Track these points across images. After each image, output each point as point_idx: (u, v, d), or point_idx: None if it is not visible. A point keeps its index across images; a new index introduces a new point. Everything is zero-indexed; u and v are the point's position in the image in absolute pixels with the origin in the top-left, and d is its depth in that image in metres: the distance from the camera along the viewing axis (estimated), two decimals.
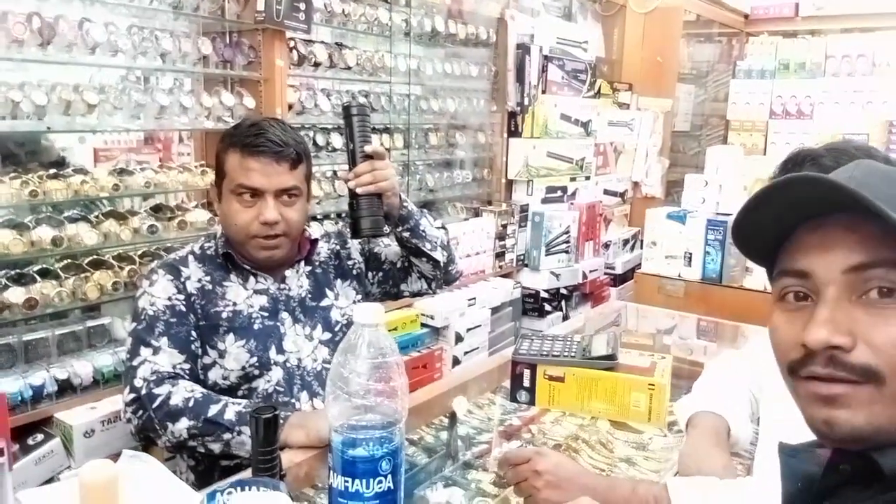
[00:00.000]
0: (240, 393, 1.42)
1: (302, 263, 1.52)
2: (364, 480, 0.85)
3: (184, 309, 1.41)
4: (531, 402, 1.48)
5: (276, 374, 1.43)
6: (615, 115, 3.43)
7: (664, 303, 2.56)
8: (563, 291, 3.11)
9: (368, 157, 1.44)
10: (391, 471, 0.87)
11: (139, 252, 1.89)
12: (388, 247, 1.65)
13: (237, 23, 1.99)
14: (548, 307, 3.05)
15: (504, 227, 2.86)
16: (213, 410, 1.28)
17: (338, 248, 1.60)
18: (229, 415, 1.27)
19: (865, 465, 0.58)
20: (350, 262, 1.60)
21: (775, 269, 0.69)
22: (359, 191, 1.42)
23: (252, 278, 1.47)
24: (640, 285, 2.71)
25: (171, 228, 1.90)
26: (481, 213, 2.87)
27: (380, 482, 0.86)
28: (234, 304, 1.44)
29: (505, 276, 2.91)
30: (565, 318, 3.09)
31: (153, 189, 1.86)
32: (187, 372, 1.37)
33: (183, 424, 1.27)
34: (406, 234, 1.53)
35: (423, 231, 1.55)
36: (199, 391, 1.32)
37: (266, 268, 1.47)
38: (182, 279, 1.43)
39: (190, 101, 1.88)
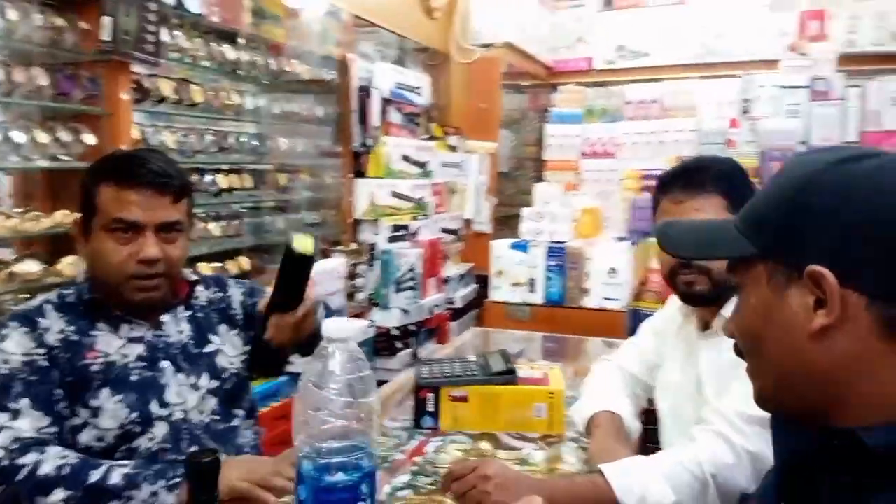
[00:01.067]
0: (117, 455, 1.25)
1: (181, 308, 1.39)
2: None
3: (46, 364, 1.23)
4: (436, 427, 1.49)
5: (160, 430, 1.28)
6: (447, 157, 3.59)
7: (514, 327, 2.73)
8: (412, 328, 3.15)
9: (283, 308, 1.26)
10: (370, 493, 0.84)
11: None
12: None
13: (73, 54, 1.83)
14: (398, 345, 3.06)
15: (354, 266, 2.85)
16: (94, 476, 1.13)
17: (219, 294, 1.48)
18: (115, 479, 1.13)
19: (852, 441, 0.61)
20: (233, 312, 1.49)
21: None
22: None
23: (124, 325, 1.32)
24: (489, 313, 2.85)
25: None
26: (330, 254, 2.84)
27: None
28: (107, 354, 1.28)
29: (357, 315, 2.89)
30: (414, 355, 3.12)
31: None
32: (55, 436, 1.20)
33: (58, 496, 1.10)
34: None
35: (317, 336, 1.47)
36: (73, 456, 1.16)
37: (139, 313, 1.33)
38: (38, 330, 1.25)
39: (23, 138, 1.68)
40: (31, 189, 1.87)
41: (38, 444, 1.16)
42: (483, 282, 3.68)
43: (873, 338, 0.62)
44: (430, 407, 1.48)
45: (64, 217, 1.74)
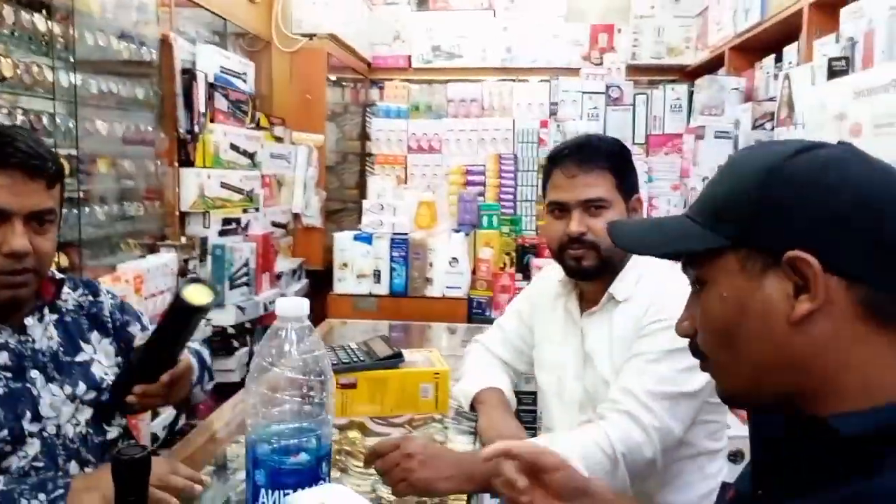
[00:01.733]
0: None
1: (46, 310, 1.22)
2: (304, 489, 0.78)
3: None
4: None
5: (33, 447, 1.12)
6: (275, 148, 3.47)
7: (361, 317, 2.73)
8: (248, 325, 3.00)
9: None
10: (328, 472, 0.81)
11: None
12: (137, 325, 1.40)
13: None
14: (235, 343, 2.91)
15: (186, 262, 2.65)
16: None
17: (90, 299, 1.32)
18: None
19: (823, 430, 0.62)
20: (104, 319, 1.33)
21: None
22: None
23: None
24: (336, 305, 2.81)
25: None
26: (158, 249, 2.62)
27: (321, 484, 0.79)
28: None
29: None
30: (251, 353, 2.98)
31: None
32: None
33: None
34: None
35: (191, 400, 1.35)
36: None
37: (1, 316, 1.15)
38: None
39: None
40: None
41: None
42: (314, 276, 3.61)
43: (853, 321, 0.62)
44: None
45: None
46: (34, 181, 1.10)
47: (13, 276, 1.10)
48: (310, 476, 0.78)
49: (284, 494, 0.76)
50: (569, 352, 1.47)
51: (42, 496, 0.99)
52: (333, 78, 4.21)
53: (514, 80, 4.40)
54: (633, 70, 4.37)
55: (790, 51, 2.67)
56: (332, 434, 1.44)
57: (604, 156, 1.40)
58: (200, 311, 1.07)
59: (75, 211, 2.25)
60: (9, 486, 0.99)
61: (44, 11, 2.10)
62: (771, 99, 2.83)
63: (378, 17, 4.55)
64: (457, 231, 3.20)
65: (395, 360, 1.49)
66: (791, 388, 0.66)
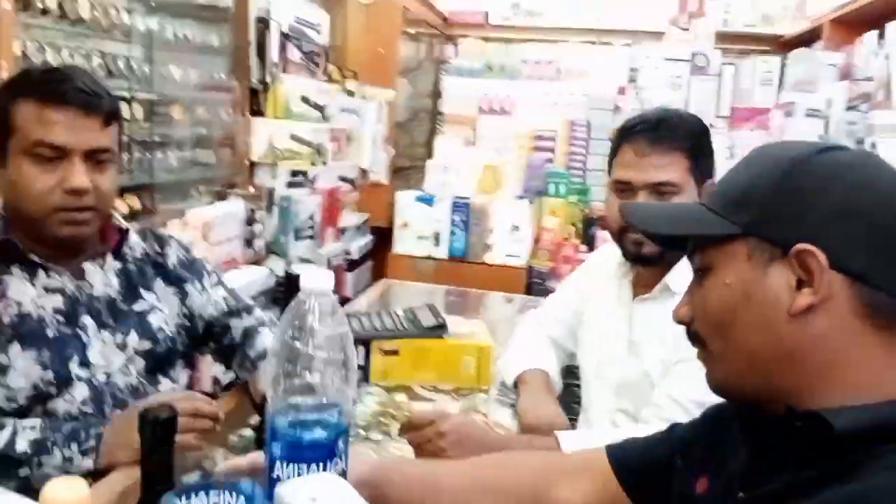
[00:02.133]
0: (31, 416, 1.12)
1: (109, 257, 1.24)
2: (321, 464, 0.77)
3: None
4: (365, 379, 1.46)
5: (80, 391, 1.15)
6: (346, 103, 3.46)
7: (417, 280, 2.72)
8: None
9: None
10: (345, 451, 0.80)
11: None
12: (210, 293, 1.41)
13: None
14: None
15: (252, 212, 2.70)
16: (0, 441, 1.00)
17: (155, 248, 1.34)
18: (21, 445, 1.02)
19: (817, 423, 0.62)
20: (170, 269, 1.34)
21: None
22: None
23: (42, 273, 1.16)
24: (395, 264, 2.82)
25: None
26: (227, 197, 2.67)
27: (336, 464, 0.79)
28: (19, 304, 1.13)
29: (254, 263, 2.76)
30: None
31: None
32: None
33: None
34: None
35: None
36: None
37: (60, 258, 1.18)
38: None
39: None
40: None
41: None
42: (378, 233, 3.63)
43: (852, 319, 0.63)
44: (360, 360, 1.44)
45: None
46: (89, 118, 1.12)
47: (75, 212, 1.13)
48: (326, 453, 0.77)
49: (299, 468, 0.76)
50: (614, 336, 1.42)
51: (74, 446, 1.02)
52: (408, 32, 4.16)
53: (593, 43, 4.24)
54: (723, 38, 4.12)
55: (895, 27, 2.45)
56: (374, 399, 1.48)
57: (681, 135, 1.28)
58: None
59: (149, 155, 2.32)
60: (44, 433, 1.03)
61: None
62: (869, 79, 2.61)
63: None
64: (521, 198, 3.14)
65: (438, 330, 1.48)
66: (782, 381, 0.67)
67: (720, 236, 0.69)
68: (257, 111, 2.79)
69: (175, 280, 1.35)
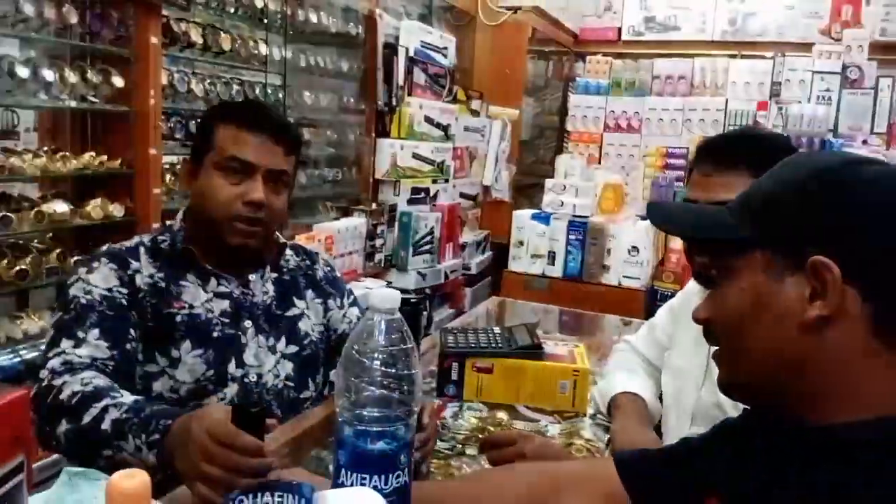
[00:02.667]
0: (186, 409, 1.24)
1: (268, 269, 1.37)
2: (382, 476, 0.80)
3: (125, 303, 1.20)
4: (458, 396, 1.48)
5: (232, 390, 1.26)
6: (469, 122, 3.54)
7: (531, 298, 2.71)
8: (427, 291, 3.13)
9: None
10: (407, 464, 0.83)
11: None
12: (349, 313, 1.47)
13: None
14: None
15: (374, 226, 2.83)
16: (88, 416, 1.00)
17: (307, 262, 1.45)
18: (105, 423, 0.99)
19: (826, 436, 0.63)
20: (318, 280, 1.45)
21: None
22: None
23: (213, 279, 1.29)
24: (509, 282, 2.83)
25: (27, 220, 1.64)
26: (351, 213, 2.82)
27: (398, 476, 0.81)
28: (192, 306, 1.25)
29: (374, 276, 2.88)
30: (429, 318, 3.12)
31: (6, 176, 1.59)
32: (110, 367, 1.13)
33: (62, 428, 1.02)
34: None
35: None
36: (93, 384, 1.05)
37: (230, 267, 1.31)
38: (130, 271, 1.23)
39: (52, 76, 1.64)
40: (57, 128, 1.84)
41: (81, 368, 1.10)
42: (499, 250, 3.66)
43: (863, 335, 0.63)
44: (454, 376, 1.46)
45: (91, 159, 1.72)
46: (277, 145, 1.25)
47: (248, 224, 1.25)
48: (388, 464, 0.80)
49: (362, 478, 0.79)
50: (692, 359, 1.36)
51: (143, 436, 0.97)
52: (536, 51, 4.17)
53: (734, 56, 4.03)
54: (879, 48, 3.77)
55: None
56: (474, 414, 1.50)
57: (748, 155, 1.20)
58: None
59: None
60: (126, 414, 0.99)
61: None
62: None
63: None
64: (644, 218, 3.05)
65: (533, 350, 1.47)
66: (789, 389, 0.67)
67: (739, 243, 0.70)
68: (383, 132, 2.93)
69: (321, 292, 1.46)
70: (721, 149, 1.26)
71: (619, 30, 4.36)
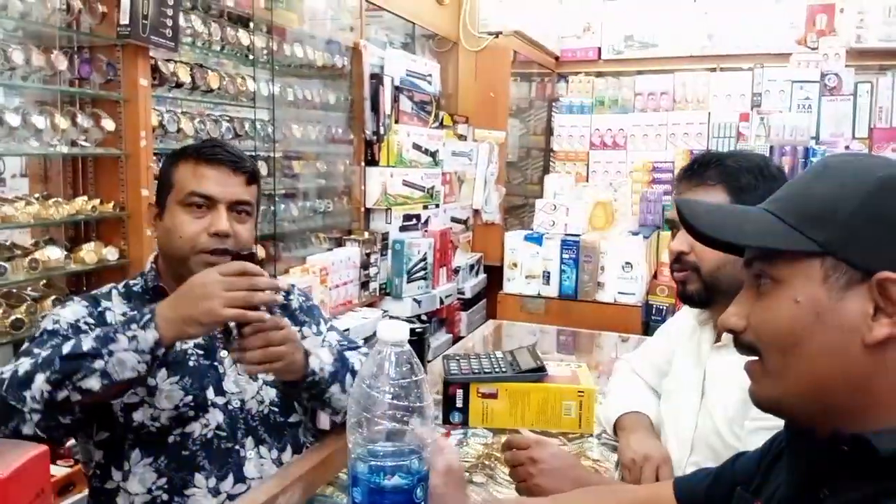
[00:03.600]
0: (170, 438, 1.24)
1: None
2: None
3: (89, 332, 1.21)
4: (465, 423, 1.48)
5: (216, 416, 1.27)
6: (457, 146, 3.56)
7: (527, 319, 2.71)
8: (423, 318, 3.13)
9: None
10: (424, 498, 0.82)
11: None
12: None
13: (90, 37, 1.79)
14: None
15: (368, 255, 2.82)
16: (66, 348, 1.09)
17: (281, 296, 1.44)
18: (87, 344, 1.08)
19: (862, 447, 0.61)
20: (294, 310, 1.46)
21: None
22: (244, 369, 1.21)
23: None
24: (504, 304, 2.83)
25: (20, 269, 1.63)
26: (344, 243, 2.81)
27: None
28: None
29: (369, 305, 2.87)
30: (427, 345, 3.10)
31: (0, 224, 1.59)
32: None
33: (39, 381, 1.06)
34: (304, 396, 1.32)
35: (329, 399, 1.31)
36: (45, 353, 1.11)
37: None
38: (100, 309, 1.27)
39: (43, 122, 1.64)
40: (49, 174, 1.83)
41: None
42: (492, 272, 3.67)
43: None
44: (459, 403, 1.46)
45: (83, 204, 1.72)
46: (236, 175, 1.29)
47: (215, 255, 1.26)
48: (404, 499, 0.79)
49: None
50: (688, 383, 1.35)
51: (134, 326, 1.09)
52: (519, 74, 4.21)
53: (712, 70, 4.09)
54: (856, 55, 3.85)
55: None
56: (480, 440, 1.49)
57: (717, 174, 1.27)
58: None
59: (273, 207, 2.49)
60: (103, 330, 1.10)
61: (251, 25, 2.34)
62: None
63: (567, 9, 4.46)
64: (635, 233, 3.07)
65: (537, 373, 1.47)
66: (842, 405, 0.64)
67: (794, 251, 0.66)
68: (372, 160, 2.94)
69: (296, 321, 1.46)
70: (692, 169, 1.32)
71: (599, 49, 4.42)
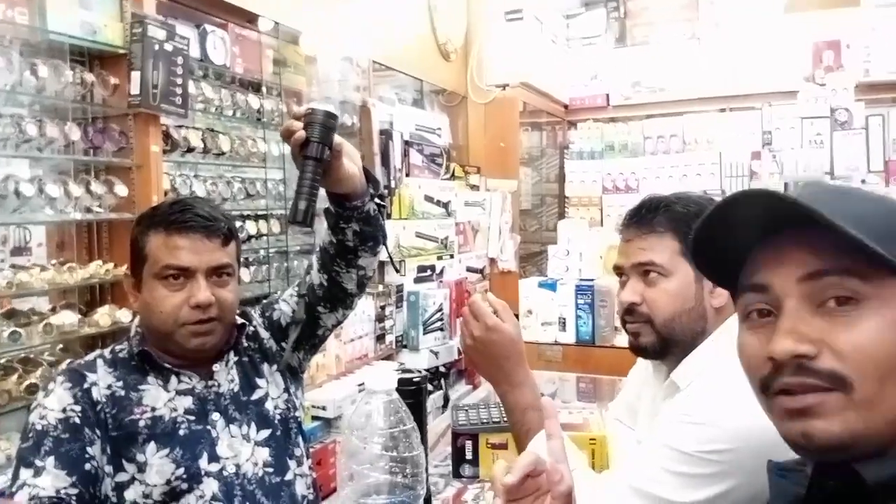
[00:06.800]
0: None
1: (231, 354, 1.37)
2: None
3: (78, 422, 1.21)
4: (476, 475, 1.45)
5: (210, 486, 1.25)
6: (469, 196, 3.60)
7: (545, 367, 2.68)
8: (442, 369, 3.11)
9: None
10: None
11: None
12: (278, 304, 1.49)
13: (103, 108, 1.86)
14: (429, 387, 3.02)
15: (382, 308, 2.83)
16: None
17: (252, 330, 1.46)
18: None
19: (849, 478, 0.59)
20: (266, 345, 1.45)
21: (738, 289, 0.72)
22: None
23: (174, 378, 1.30)
24: None
25: (35, 334, 1.66)
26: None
27: None
28: (153, 409, 1.26)
29: (386, 358, 2.86)
30: (446, 397, 3.08)
31: (15, 291, 1.62)
32: (74, 498, 1.16)
33: None
34: (356, 227, 1.34)
35: (377, 221, 1.36)
36: None
37: (191, 364, 1.31)
38: (85, 386, 1.25)
39: (57, 191, 1.70)
40: (65, 241, 1.88)
41: None
42: None
43: None
44: (469, 454, 1.44)
45: (98, 268, 1.75)
46: (211, 241, 1.27)
47: (199, 325, 1.26)
48: None
49: None
50: (642, 431, 1.32)
51: None
52: (529, 123, 4.27)
53: (721, 110, 4.12)
54: (866, 88, 3.85)
55: None
56: (490, 496, 1.46)
57: (666, 218, 1.23)
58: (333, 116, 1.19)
59: (286, 264, 2.53)
60: None
61: (262, 90, 2.42)
62: None
63: (574, 58, 4.55)
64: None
65: None
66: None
67: (883, 269, 0.61)
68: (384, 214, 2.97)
69: (271, 348, 1.44)
70: (638, 213, 1.27)
71: (608, 96, 4.47)
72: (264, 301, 1.55)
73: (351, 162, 1.25)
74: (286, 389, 1.43)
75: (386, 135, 2.97)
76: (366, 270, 1.42)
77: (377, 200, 1.33)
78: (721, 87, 4.19)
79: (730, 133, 3.92)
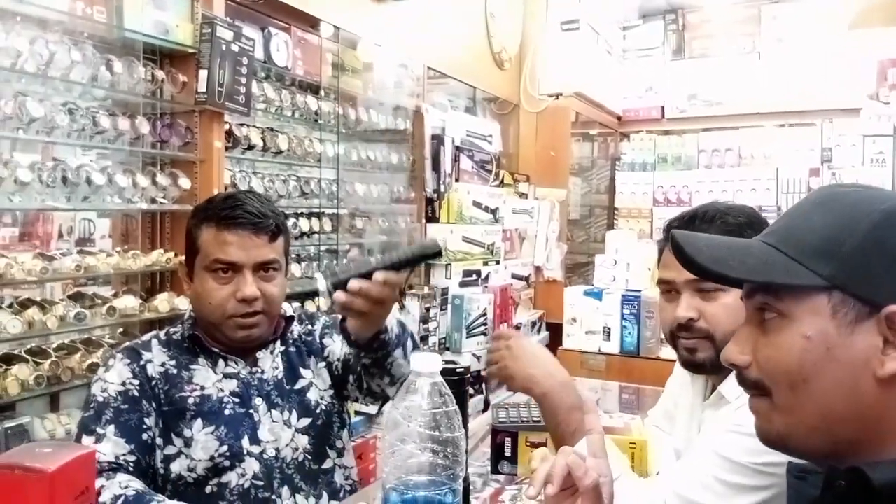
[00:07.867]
0: (207, 489, 1.28)
1: (277, 343, 1.43)
2: None
3: (136, 395, 1.29)
4: (514, 473, 1.47)
5: (251, 465, 1.30)
6: (518, 204, 3.61)
7: (588, 376, 2.67)
8: (483, 374, 3.12)
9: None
10: None
11: (54, 346, 1.73)
12: (334, 342, 1.50)
13: (171, 104, 1.95)
14: (470, 390, 3.04)
15: (427, 310, 2.87)
16: None
17: (308, 328, 1.52)
18: None
19: (858, 479, 0.60)
20: (316, 345, 1.50)
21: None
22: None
23: (221, 361, 1.37)
24: (563, 361, 2.79)
25: (98, 316, 1.75)
26: (404, 297, 2.87)
27: None
28: (202, 388, 1.33)
29: None
30: (486, 401, 3.09)
31: (83, 273, 1.72)
32: (132, 464, 1.23)
33: None
34: (366, 363, 1.34)
35: (391, 364, 1.34)
36: (132, 489, 1.16)
37: (237, 350, 1.38)
38: (141, 363, 1.32)
39: (125, 181, 1.79)
40: (130, 229, 1.98)
41: (112, 469, 1.20)
42: (555, 329, 3.64)
43: None
44: (508, 452, 1.46)
45: (160, 256, 1.84)
46: (258, 237, 1.32)
47: (245, 318, 1.33)
48: None
49: None
50: (687, 444, 1.30)
51: None
52: (581, 133, 4.27)
53: (781, 126, 4.04)
54: None
55: None
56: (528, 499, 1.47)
57: (719, 228, 1.18)
58: (438, 254, 1.29)
59: (336, 262, 2.59)
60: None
61: (321, 93, 2.50)
62: None
63: (630, 70, 4.52)
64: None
65: None
66: (852, 439, 0.64)
67: (801, 286, 0.65)
68: (433, 217, 3.02)
69: (320, 350, 1.48)
70: (690, 223, 1.23)
71: (663, 108, 4.43)
72: (326, 319, 1.56)
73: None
74: (332, 386, 1.47)
75: (438, 140, 3.02)
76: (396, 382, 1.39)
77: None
78: (780, 102, 4.10)
79: (788, 149, 3.84)
